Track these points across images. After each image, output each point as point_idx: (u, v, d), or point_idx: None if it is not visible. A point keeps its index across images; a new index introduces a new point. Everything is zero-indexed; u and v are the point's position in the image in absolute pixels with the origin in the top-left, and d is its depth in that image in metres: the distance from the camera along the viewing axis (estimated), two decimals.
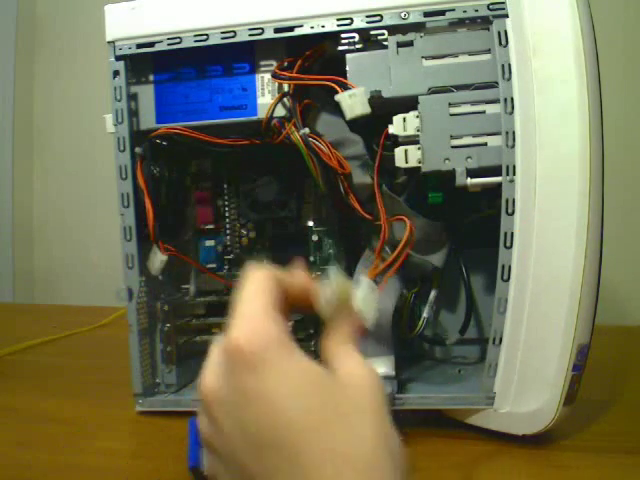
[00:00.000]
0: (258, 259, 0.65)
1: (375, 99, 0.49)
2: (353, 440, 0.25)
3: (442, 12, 0.47)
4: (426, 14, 0.48)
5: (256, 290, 0.29)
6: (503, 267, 0.47)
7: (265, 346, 0.26)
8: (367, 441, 0.25)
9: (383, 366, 0.54)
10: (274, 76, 0.52)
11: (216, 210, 0.66)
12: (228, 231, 0.66)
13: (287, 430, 0.24)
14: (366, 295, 0.46)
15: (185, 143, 0.56)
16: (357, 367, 0.29)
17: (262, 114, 0.52)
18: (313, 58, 0.53)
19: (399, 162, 0.50)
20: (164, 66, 0.54)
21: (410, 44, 0.49)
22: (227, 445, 0.26)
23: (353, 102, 0.48)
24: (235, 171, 0.65)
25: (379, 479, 0.24)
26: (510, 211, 0.46)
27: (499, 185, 0.47)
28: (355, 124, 0.52)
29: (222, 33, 0.51)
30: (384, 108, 0.50)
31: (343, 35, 0.52)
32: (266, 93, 0.53)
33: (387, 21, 0.48)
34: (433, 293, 0.59)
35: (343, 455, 0.24)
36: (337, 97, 0.49)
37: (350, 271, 0.63)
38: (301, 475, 0.24)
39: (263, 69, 0.53)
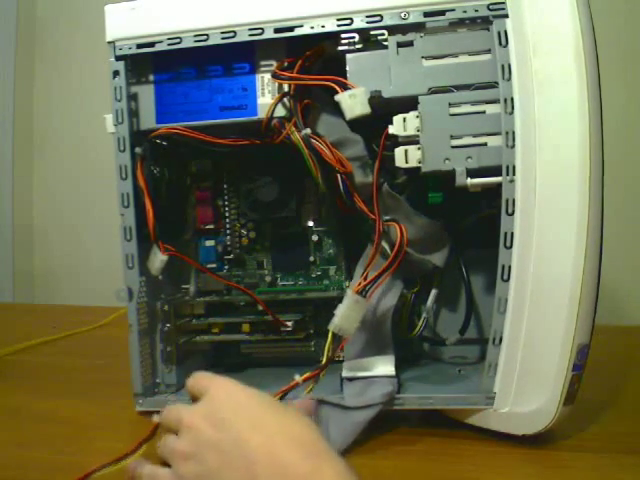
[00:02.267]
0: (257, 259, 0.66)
1: (375, 99, 0.49)
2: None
3: (442, 12, 0.47)
4: (426, 14, 0.48)
5: None
6: (503, 267, 0.47)
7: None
8: None
9: (384, 365, 0.55)
10: (274, 76, 0.52)
11: (216, 210, 0.66)
12: (228, 231, 0.66)
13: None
14: (348, 310, 0.49)
15: (185, 143, 0.56)
16: None
17: (262, 114, 0.52)
18: (313, 58, 0.53)
19: (399, 162, 0.50)
20: (164, 66, 0.54)
21: (410, 44, 0.49)
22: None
23: (353, 102, 0.48)
24: (235, 171, 0.65)
25: None
26: (510, 211, 0.46)
27: (499, 185, 0.47)
28: (355, 124, 0.52)
29: (222, 33, 0.51)
30: (384, 108, 0.50)
31: (343, 35, 0.52)
32: (266, 93, 0.53)
33: (387, 21, 0.48)
34: (433, 293, 0.59)
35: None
36: (337, 97, 0.49)
37: (350, 271, 0.64)
38: None
39: (263, 69, 0.53)
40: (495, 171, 0.47)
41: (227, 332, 0.61)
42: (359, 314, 0.50)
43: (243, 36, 0.50)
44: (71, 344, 0.89)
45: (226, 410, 0.37)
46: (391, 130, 0.50)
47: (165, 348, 0.58)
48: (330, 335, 0.50)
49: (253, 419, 0.36)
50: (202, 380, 0.41)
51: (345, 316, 0.49)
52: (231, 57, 0.53)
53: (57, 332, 0.92)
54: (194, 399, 0.41)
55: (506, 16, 0.46)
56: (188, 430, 0.37)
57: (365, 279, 0.50)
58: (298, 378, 0.49)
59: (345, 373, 0.55)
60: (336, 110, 0.50)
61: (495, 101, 0.47)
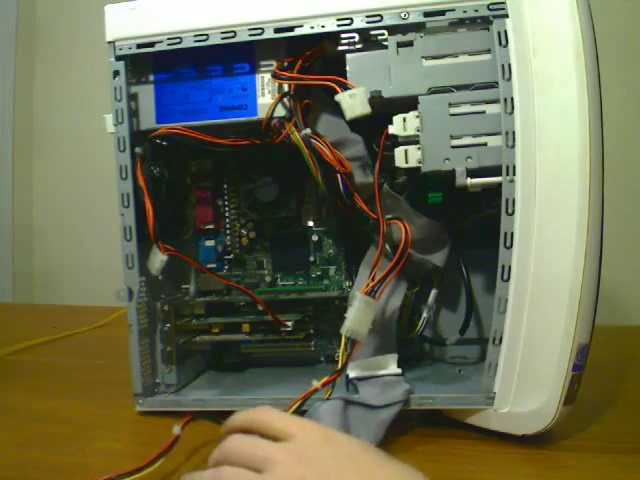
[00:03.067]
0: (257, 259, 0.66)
1: (375, 99, 0.49)
2: None
3: (442, 12, 0.47)
4: (426, 14, 0.48)
5: None
6: (503, 267, 0.47)
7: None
8: None
9: (390, 364, 0.55)
10: (274, 76, 0.52)
11: (216, 210, 0.66)
12: (228, 231, 0.66)
13: None
14: (359, 312, 0.49)
15: (185, 143, 0.56)
16: None
17: (262, 114, 0.52)
18: (313, 58, 0.53)
19: (399, 162, 0.50)
20: (164, 66, 0.54)
21: (410, 44, 0.49)
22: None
23: (353, 102, 0.48)
24: (235, 171, 0.65)
25: None
26: (510, 211, 0.46)
27: (499, 185, 0.47)
28: (355, 124, 0.52)
29: (222, 33, 0.51)
30: (384, 108, 0.50)
31: (343, 35, 0.52)
32: (266, 93, 0.53)
33: (387, 21, 0.48)
34: (433, 293, 0.59)
35: None
36: (337, 97, 0.49)
37: (350, 271, 0.64)
38: None
39: (263, 69, 0.53)
40: (495, 171, 0.47)
41: (227, 332, 0.61)
42: (370, 315, 0.49)
43: (243, 36, 0.50)
44: (71, 344, 0.89)
45: (328, 457, 0.35)
46: (391, 130, 0.50)
47: (165, 348, 0.58)
48: (343, 339, 0.50)
49: (361, 469, 0.34)
50: (278, 418, 0.38)
51: (357, 318, 0.49)
52: (231, 57, 0.53)
53: (57, 332, 0.92)
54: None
55: (506, 16, 0.46)
56: (282, 472, 0.34)
57: (373, 280, 0.50)
58: (317, 384, 0.49)
59: (352, 373, 0.55)
60: (336, 110, 0.50)
61: (495, 101, 0.47)
